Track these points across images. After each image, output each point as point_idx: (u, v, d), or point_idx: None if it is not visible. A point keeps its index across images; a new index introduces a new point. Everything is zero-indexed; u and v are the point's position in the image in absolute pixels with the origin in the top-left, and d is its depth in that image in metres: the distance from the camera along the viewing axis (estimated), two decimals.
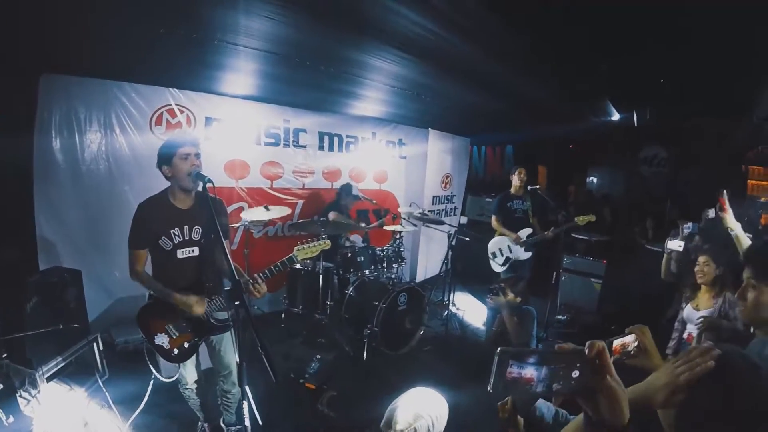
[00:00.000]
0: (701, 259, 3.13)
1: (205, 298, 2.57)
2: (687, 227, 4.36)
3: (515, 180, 5.42)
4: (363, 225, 5.63)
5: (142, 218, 2.53)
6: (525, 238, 5.23)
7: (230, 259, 2.09)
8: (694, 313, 3.12)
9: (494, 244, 5.50)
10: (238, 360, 2.01)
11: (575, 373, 0.83)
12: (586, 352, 0.84)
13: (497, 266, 5.47)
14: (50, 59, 3.48)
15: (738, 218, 2.60)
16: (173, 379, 2.90)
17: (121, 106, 4.12)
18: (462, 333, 5.41)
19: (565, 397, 0.84)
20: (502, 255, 5.40)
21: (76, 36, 2.98)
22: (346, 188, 5.50)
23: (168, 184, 2.58)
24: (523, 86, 4.52)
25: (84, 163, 3.99)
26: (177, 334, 2.58)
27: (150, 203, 2.57)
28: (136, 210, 2.55)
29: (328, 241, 2.78)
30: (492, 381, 0.82)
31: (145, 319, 2.58)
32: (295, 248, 2.68)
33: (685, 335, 3.21)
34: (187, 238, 2.59)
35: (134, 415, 2.99)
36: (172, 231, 2.54)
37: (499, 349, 0.83)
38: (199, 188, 2.37)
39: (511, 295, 3.79)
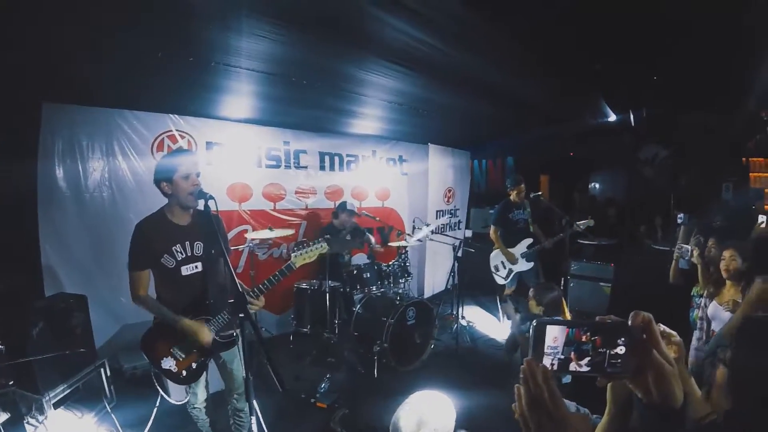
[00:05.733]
0: (726, 253, 3.00)
1: (211, 322, 2.51)
2: (680, 218, 4.56)
3: (513, 197, 5.39)
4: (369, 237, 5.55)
5: (142, 237, 2.46)
6: (525, 249, 5.21)
7: (233, 272, 2.07)
8: (719, 309, 3.03)
9: (495, 257, 5.46)
10: (244, 374, 1.96)
11: (621, 350, 0.75)
12: (630, 323, 0.76)
13: (501, 279, 5.42)
14: (50, 88, 3.55)
15: (743, 209, 2.57)
16: (184, 401, 2.86)
17: (122, 134, 4.18)
18: (473, 345, 5.34)
19: (610, 379, 0.78)
20: (505, 268, 5.37)
21: (76, 64, 3.04)
22: (341, 206, 5.38)
23: (166, 201, 2.54)
24: (518, 90, 4.52)
25: (87, 190, 4.03)
26: (183, 356, 2.53)
27: (148, 222, 2.51)
28: (135, 230, 2.47)
29: (325, 245, 2.67)
30: (530, 354, 0.79)
31: (150, 345, 2.53)
32: (293, 254, 2.61)
33: (709, 332, 3.12)
34: (189, 254, 2.53)
35: None
36: (173, 248, 2.48)
37: (535, 320, 0.79)
38: (200, 206, 2.31)
39: (537, 307, 3.57)
